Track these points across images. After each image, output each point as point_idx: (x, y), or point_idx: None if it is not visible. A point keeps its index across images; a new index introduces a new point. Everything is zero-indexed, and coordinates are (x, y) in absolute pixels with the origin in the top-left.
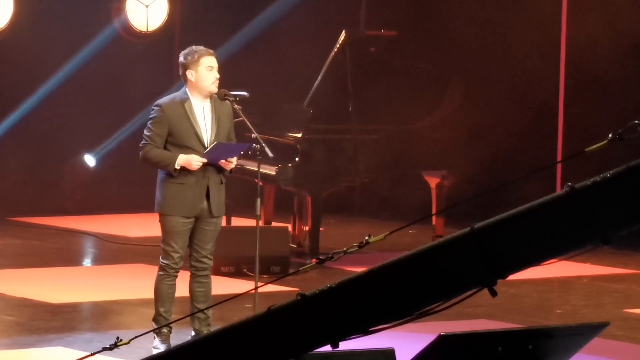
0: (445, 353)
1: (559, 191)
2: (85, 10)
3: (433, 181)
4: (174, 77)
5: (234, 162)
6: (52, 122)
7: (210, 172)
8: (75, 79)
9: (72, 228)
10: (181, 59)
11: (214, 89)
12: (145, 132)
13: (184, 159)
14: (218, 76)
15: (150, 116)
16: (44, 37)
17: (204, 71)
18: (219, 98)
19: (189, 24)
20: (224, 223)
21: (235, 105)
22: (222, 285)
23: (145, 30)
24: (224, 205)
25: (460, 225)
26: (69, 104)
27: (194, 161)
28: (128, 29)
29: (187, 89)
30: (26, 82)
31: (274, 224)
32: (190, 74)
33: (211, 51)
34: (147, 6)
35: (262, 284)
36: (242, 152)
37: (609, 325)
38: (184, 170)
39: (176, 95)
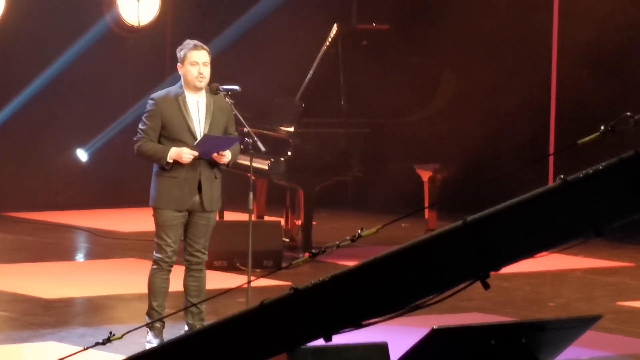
0: (438, 347)
1: (551, 183)
2: (76, 4)
3: (425, 174)
4: (166, 71)
5: (226, 155)
6: (44, 116)
7: (202, 166)
8: (67, 74)
9: (65, 223)
10: (177, 52)
11: (198, 84)
12: (140, 125)
13: (175, 152)
14: (204, 72)
15: (145, 110)
16: (36, 31)
17: (188, 66)
18: (210, 92)
19: (180, 18)
20: (216, 217)
21: (227, 100)
22: (215, 280)
23: (136, 24)
24: (219, 200)
25: (452, 218)
26: (61, 99)
27: (185, 154)
28: (120, 23)
29: (182, 83)
30: (18, 77)
31: (266, 218)
32: (179, 68)
33: (200, 45)
34: (138, 0)
35: (255, 278)
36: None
37: (601, 318)
38: (176, 164)
39: (171, 89)
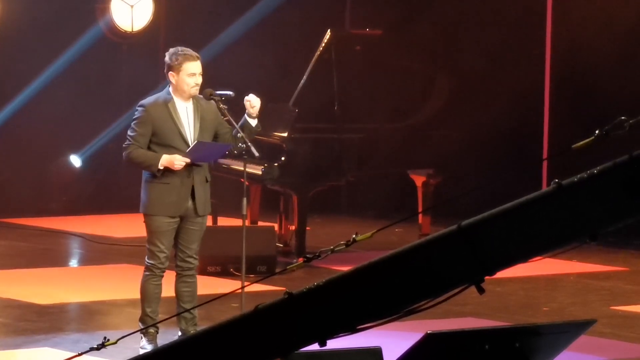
0: (432, 351)
1: (546, 188)
2: (70, 10)
3: (419, 180)
4: (159, 77)
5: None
6: (38, 122)
7: (195, 171)
8: (61, 80)
9: (58, 229)
10: (166, 58)
11: (194, 92)
12: (129, 132)
13: (166, 159)
14: (199, 81)
15: (134, 117)
16: (30, 37)
17: (185, 77)
18: (204, 98)
19: (173, 23)
20: (210, 223)
21: (221, 105)
22: (208, 285)
23: (130, 30)
24: (210, 204)
25: (446, 224)
26: (55, 105)
27: (177, 161)
28: (113, 29)
29: (170, 89)
30: (12, 83)
31: (260, 223)
32: (172, 76)
33: (195, 55)
34: (132, 6)
35: (248, 283)
36: (226, 152)
37: (595, 323)
38: (168, 169)
39: (160, 95)
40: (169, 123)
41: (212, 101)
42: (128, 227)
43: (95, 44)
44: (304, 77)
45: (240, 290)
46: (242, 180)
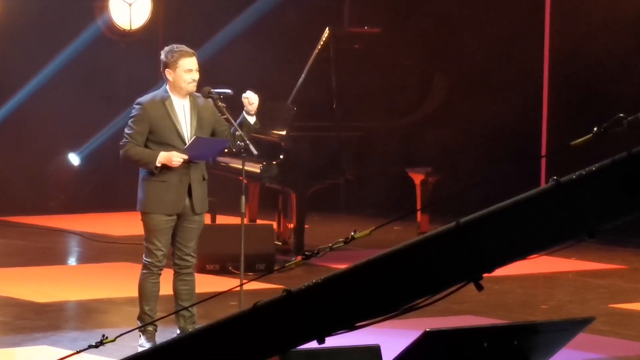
0: (431, 349)
1: (544, 185)
2: (68, 9)
3: (417, 178)
4: (158, 75)
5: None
6: (36, 121)
7: (192, 168)
8: (59, 78)
9: (57, 227)
10: (162, 56)
11: (191, 88)
12: (126, 130)
13: (164, 156)
14: (196, 77)
15: (131, 114)
16: (28, 36)
17: (182, 73)
18: (202, 96)
19: (172, 21)
20: (209, 221)
21: (219, 103)
22: (207, 283)
23: (128, 28)
24: (207, 201)
25: (444, 221)
26: (53, 103)
27: (175, 158)
28: (111, 27)
29: (167, 87)
30: (10, 81)
31: (258, 221)
32: (168, 73)
33: (191, 51)
34: (130, 4)
35: (247, 281)
36: (225, 149)
37: (594, 321)
38: (165, 167)
39: (157, 93)
40: (166, 121)
41: (210, 99)
42: (126, 225)
43: (94, 42)
44: (303, 75)
45: (238, 288)
46: (241, 178)
